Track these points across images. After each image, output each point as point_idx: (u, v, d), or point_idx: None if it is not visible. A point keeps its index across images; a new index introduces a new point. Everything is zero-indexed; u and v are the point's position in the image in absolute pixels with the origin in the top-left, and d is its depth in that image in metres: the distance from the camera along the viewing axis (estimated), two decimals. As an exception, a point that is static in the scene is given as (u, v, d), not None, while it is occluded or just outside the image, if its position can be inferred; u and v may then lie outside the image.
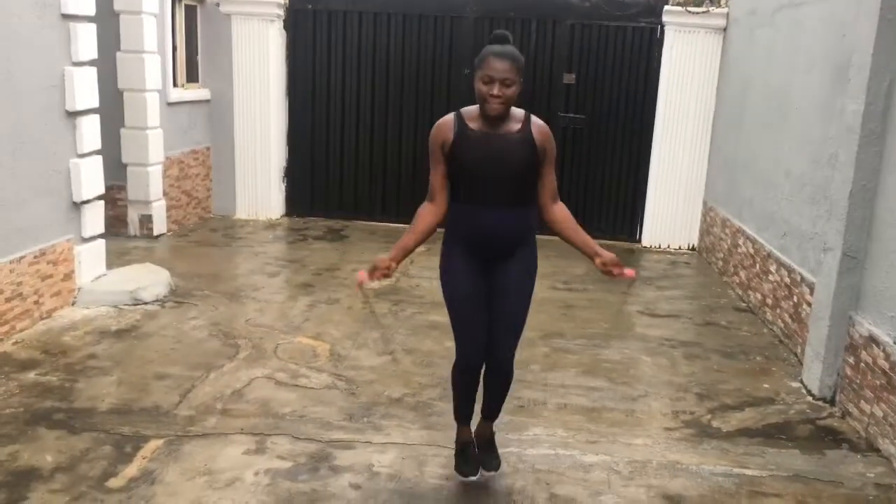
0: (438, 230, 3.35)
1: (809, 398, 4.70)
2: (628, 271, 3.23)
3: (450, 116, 3.24)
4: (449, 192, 3.27)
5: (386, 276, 3.23)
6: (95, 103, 5.81)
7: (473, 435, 3.61)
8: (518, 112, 3.21)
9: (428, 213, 3.29)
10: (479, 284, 3.29)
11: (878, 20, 4.21)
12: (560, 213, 3.31)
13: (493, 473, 3.56)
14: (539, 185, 3.26)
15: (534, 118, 3.24)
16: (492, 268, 3.30)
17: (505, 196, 3.18)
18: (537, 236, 3.37)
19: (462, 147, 3.15)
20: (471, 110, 3.21)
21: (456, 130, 3.17)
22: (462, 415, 3.57)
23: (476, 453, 3.57)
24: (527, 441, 3.94)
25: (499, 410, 3.59)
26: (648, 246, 8.73)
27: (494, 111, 3.08)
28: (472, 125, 3.17)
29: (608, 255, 3.23)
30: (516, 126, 3.18)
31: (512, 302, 3.31)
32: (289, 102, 9.09)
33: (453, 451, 3.63)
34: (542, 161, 3.22)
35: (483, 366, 3.40)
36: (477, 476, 3.52)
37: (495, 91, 3.04)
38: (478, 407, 3.59)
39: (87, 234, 5.82)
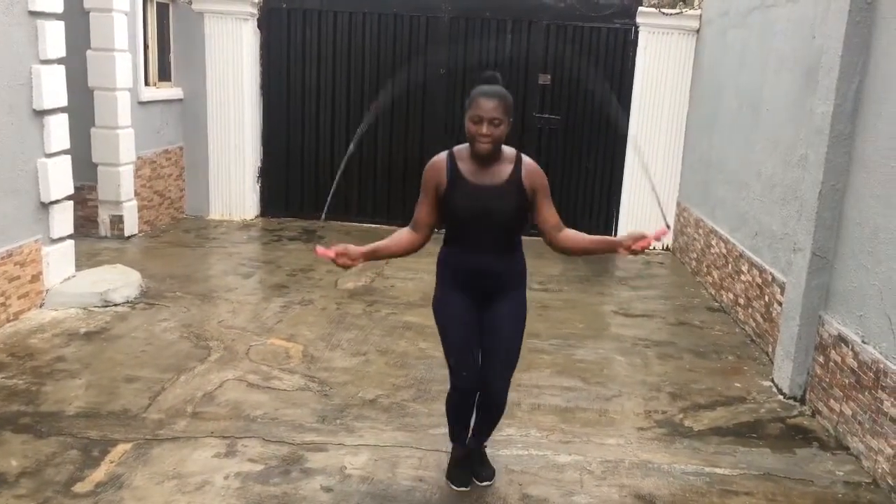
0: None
1: (780, 397, 4.74)
2: (656, 234, 3.04)
3: (443, 157, 3.24)
4: (432, 226, 3.28)
5: (347, 267, 3.14)
6: (64, 102, 5.72)
7: (465, 451, 3.62)
8: (509, 152, 3.22)
9: (406, 240, 3.28)
10: (472, 314, 3.32)
11: (846, 22, 4.26)
12: (568, 238, 3.26)
13: (487, 483, 3.57)
14: (540, 221, 3.26)
15: (524, 159, 3.24)
16: (484, 305, 3.32)
17: (494, 243, 3.23)
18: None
19: (455, 196, 3.18)
20: (462, 150, 3.23)
21: (449, 177, 3.19)
22: (457, 436, 3.60)
23: (469, 466, 3.59)
24: (500, 442, 3.93)
25: (489, 434, 3.63)
26: (623, 246, 8.75)
27: (483, 150, 3.11)
28: (464, 168, 3.18)
29: (627, 240, 3.09)
30: (508, 168, 3.18)
31: (507, 335, 3.33)
32: (263, 102, 9.03)
33: (447, 465, 3.65)
34: (534, 201, 3.22)
35: (476, 393, 3.41)
36: (468, 487, 3.54)
37: (484, 130, 3.07)
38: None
39: (55, 234, 5.73)
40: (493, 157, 3.16)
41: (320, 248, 3.10)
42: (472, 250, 3.23)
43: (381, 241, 3.30)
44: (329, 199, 3.61)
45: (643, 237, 3.05)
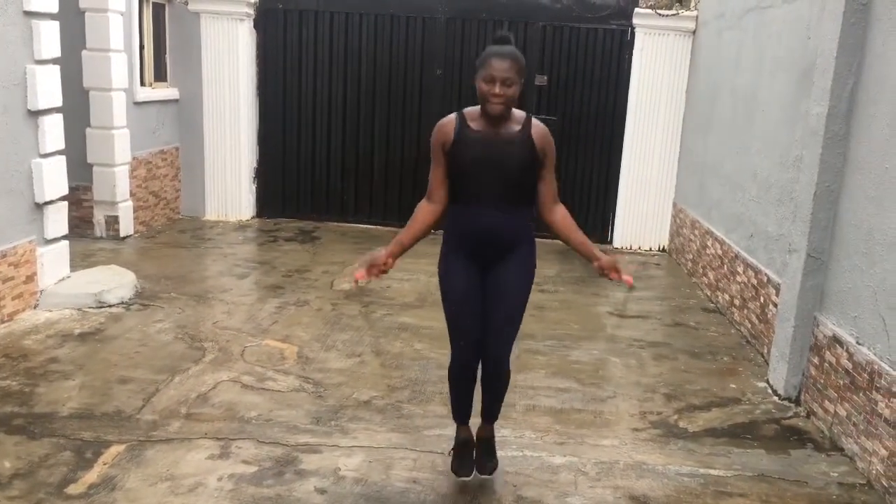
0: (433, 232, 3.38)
1: (775, 398, 4.74)
2: (626, 278, 3.25)
3: (451, 116, 3.26)
4: (447, 191, 3.29)
5: (383, 272, 3.25)
6: (59, 102, 5.71)
7: (475, 436, 3.61)
8: (519, 114, 3.23)
9: (425, 212, 3.31)
10: (476, 284, 3.32)
11: (841, 23, 4.26)
12: (560, 215, 3.33)
13: (487, 477, 3.56)
14: (539, 186, 3.29)
15: (534, 120, 3.25)
16: (490, 268, 3.31)
17: (504, 197, 3.21)
18: None
19: (462, 147, 3.18)
20: (473, 110, 3.23)
21: (457, 131, 3.19)
22: (460, 414, 3.57)
23: (473, 454, 3.57)
24: (496, 444, 3.92)
25: (498, 411, 3.60)
26: (619, 247, 8.77)
27: (496, 110, 3.10)
28: (474, 125, 3.19)
29: (606, 260, 3.26)
30: (517, 127, 3.19)
31: (509, 303, 3.33)
32: (259, 102, 9.02)
33: (450, 451, 3.64)
34: (542, 163, 3.25)
35: (479, 365, 3.40)
36: (471, 477, 3.52)
37: (497, 90, 3.07)
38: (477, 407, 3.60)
39: (49, 235, 5.71)
40: (503, 118, 3.16)
41: (357, 274, 3.24)
42: (481, 206, 3.21)
43: (402, 232, 3.32)
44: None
45: (617, 271, 3.24)
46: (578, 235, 3.36)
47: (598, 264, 3.27)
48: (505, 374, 3.46)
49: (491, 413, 3.58)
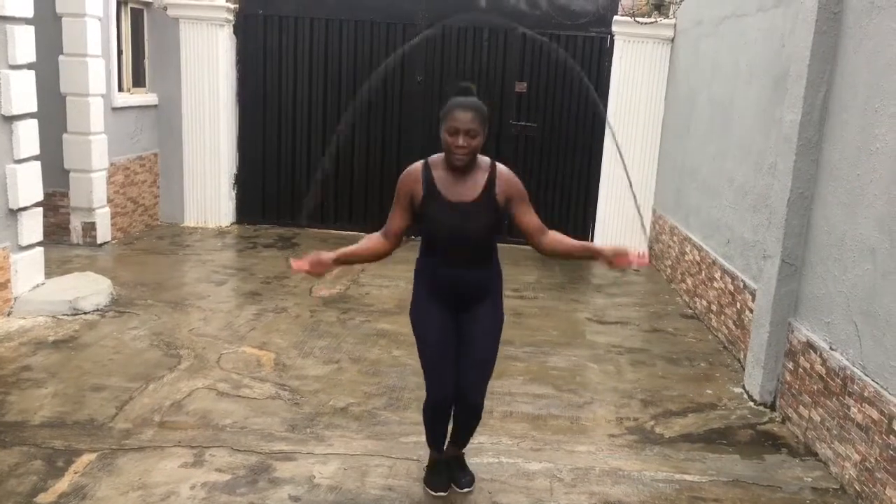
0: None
1: (751, 403, 4.77)
2: (639, 260, 3.11)
3: (418, 168, 3.24)
4: (402, 234, 3.30)
5: (319, 274, 3.22)
6: (33, 108, 5.66)
7: (444, 453, 3.62)
8: (484, 161, 3.23)
9: (376, 245, 3.30)
10: (449, 326, 3.33)
11: (813, 31, 4.31)
12: (553, 242, 3.29)
13: (467, 490, 3.56)
14: (522, 225, 3.26)
15: (499, 168, 3.24)
16: (462, 311, 3.33)
17: (470, 256, 3.25)
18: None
19: (430, 213, 3.19)
20: (437, 160, 3.23)
21: (424, 189, 3.19)
22: (435, 444, 3.60)
23: (446, 471, 3.59)
24: (471, 450, 3.89)
25: (468, 440, 3.63)
26: (599, 253, 8.78)
27: (459, 161, 3.12)
28: (439, 178, 3.18)
29: (609, 251, 3.17)
30: (482, 179, 3.18)
31: (481, 347, 3.34)
32: (239, 108, 8.98)
33: (424, 467, 3.66)
34: (511, 208, 3.23)
35: (453, 402, 3.41)
36: (446, 492, 3.53)
37: (460, 142, 3.08)
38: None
39: (24, 241, 5.65)
40: (468, 168, 3.17)
41: (295, 262, 3.15)
42: (449, 263, 3.25)
43: (352, 246, 3.32)
44: (312, 200, 3.64)
45: (625, 255, 3.12)
46: (576, 245, 3.34)
47: (604, 258, 3.19)
48: (478, 410, 3.48)
49: (462, 441, 3.61)
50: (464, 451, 3.66)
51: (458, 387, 3.35)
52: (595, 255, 3.27)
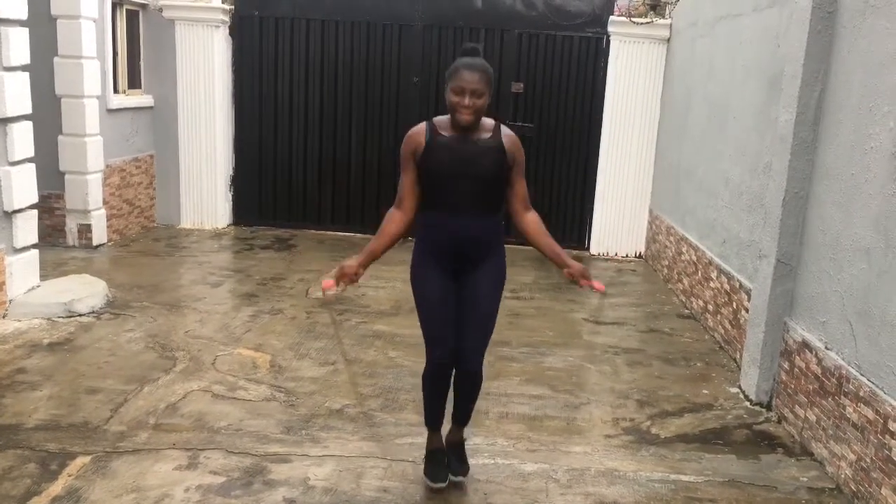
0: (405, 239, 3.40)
1: (747, 403, 4.76)
2: (597, 284, 3.30)
3: (422, 125, 3.30)
4: (416, 199, 3.32)
5: (353, 282, 3.30)
6: (28, 109, 5.65)
7: (444, 441, 3.61)
8: (488, 122, 3.28)
9: (395, 221, 3.33)
10: (449, 288, 3.33)
11: (808, 31, 4.30)
12: (531, 221, 3.38)
13: (461, 479, 3.55)
14: (510, 193, 3.34)
15: (504, 128, 3.31)
16: (461, 275, 3.33)
17: (474, 203, 3.24)
18: None
19: (433, 154, 3.21)
20: (442, 120, 3.27)
21: (427, 138, 3.23)
22: (432, 420, 3.57)
23: (445, 461, 3.57)
24: (466, 451, 3.90)
25: (469, 414, 3.62)
26: (596, 254, 8.80)
27: (465, 121, 3.15)
28: (444, 133, 3.23)
29: (577, 267, 3.31)
30: (487, 135, 3.24)
31: (482, 308, 3.34)
32: (235, 109, 8.97)
33: (423, 457, 3.64)
34: (512, 169, 3.28)
35: (452, 369, 3.40)
36: (445, 483, 3.51)
37: (466, 101, 3.12)
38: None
39: (19, 244, 5.64)
40: (473, 128, 3.20)
41: (325, 282, 3.27)
42: (452, 212, 3.24)
43: (372, 241, 3.35)
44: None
45: (587, 278, 3.29)
46: (549, 241, 3.39)
47: (568, 272, 3.33)
48: (478, 378, 3.47)
49: (463, 416, 3.60)
50: (465, 438, 3.63)
51: (457, 351, 3.34)
52: (561, 264, 3.35)
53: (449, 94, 3.15)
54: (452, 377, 3.46)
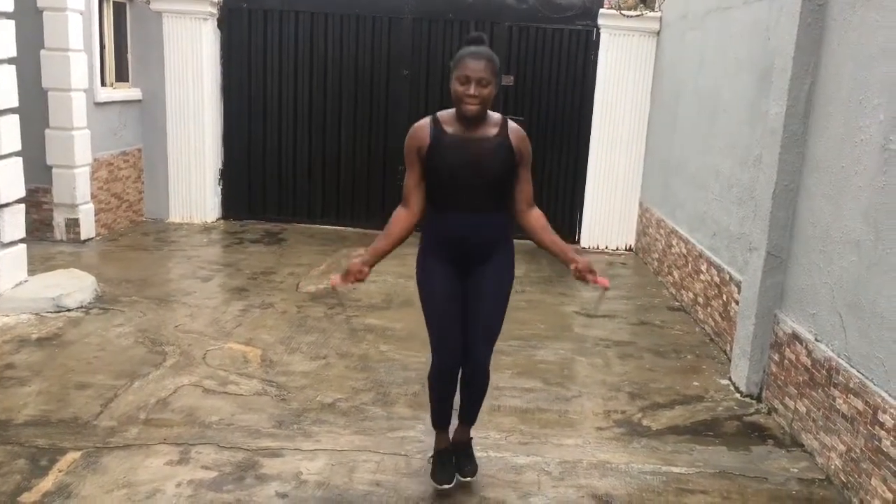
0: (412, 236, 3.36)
1: (737, 395, 4.79)
2: (602, 280, 3.24)
3: (425, 121, 3.20)
4: (423, 196, 3.25)
5: (359, 280, 3.24)
6: (14, 103, 5.60)
7: (451, 441, 3.59)
8: (494, 116, 3.19)
9: (402, 219, 3.26)
10: (456, 287, 3.28)
11: (798, 23, 4.31)
12: (536, 218, 3.31)
13: (469, 479, 3.53)
14: (516, 189, 3.25)
15: (510, 122, 3.21)
16: (469, 272, 3.28)
17: (482, 201, 3.18)
18: None
19: (439, 152, 3.12)
20: (447, 114, 3.18)
21: (432, 135, 3.13)
22: (440, 420, 3.54)
23: (452, 461, 3.54)
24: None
25: (476, 414, 3.58)
26: (587, 247, 8.81)
27: (471, 112, 3.05)
28: (449, 129, 3.14)
29: (583, 262, 3.25)
30: (493, 130, 3.15)
31: (489, 306, 3.29)
32: (224, 103, 8.92)
33: (430, 458, 3.62)
34: (519, 165, 3.21)
35: (459, 369, 3.37)
36: (452, 484, 3.48)
37: (472, 91, 3.01)
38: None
39: (6, 238, 5.60)
40: (479, 120, 3.11)
41: (333, 279, 3.24)
42: (459, 209, 3.18)
43: (378, 239, 3.29)
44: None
45: (594, 273, 3.23)
46: (554, 238, 3.34)
47: (574, 267, 3.25)
48: (485, 377, 3.43)
49: (469, 416, 3.57)
50: (472, 436, 3.61)
51: (465, 350, 3.29)
52: (567, 260, 3.30)
53: (454, 83, 3.05)
54: (459, 377, 3.42)
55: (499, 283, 3.32)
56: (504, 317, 3.39)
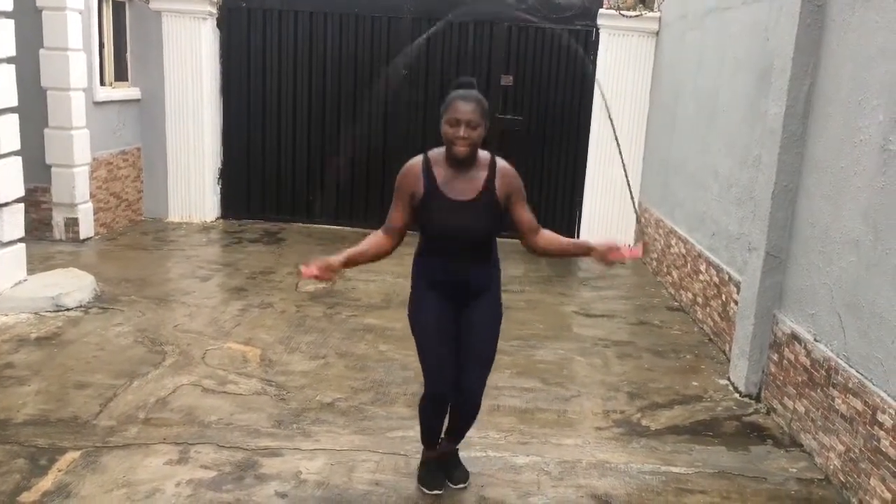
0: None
1: (736, 395, 4.79)
2: (633, 251, 3.13)
3: (418, 163, 3.20)
4: (403, 234, 3.26)
5: (329, 279, 3.19)
6: (14, 102, 5.60)
7: (439, 452, 3.59)
8: (484, 157, 3.20)
9: (379, 244, 3.25)
10: (448, 318, 3.29)
11: (797, 24, 4.31)
12: (546, 241, 3.27)
13: (462, 486, 3.54)
14: (516, 220, 3.24)
15: (499, 164, 3.21)
16: (460, 307, 3.30)
17: (469, 254, 3.23)
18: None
19: (430, 209, 3.16)
20: (438, 154, 3.19)
21: (425, 187, 3.15)
22: (429, 440, 3.56)
23: (439, 468, 3.56)
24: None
25: (464, 435, 3.60)
26: (586, 246, 8.79)
27: (461, 153, 3.08)
28: (440, 174, 3.15)
29: (602, 247, 3.16)
30: (482, 175, 3.16)
31: (482, 338, 3.32)
32: (223, 102, 8.92)
33: (417, 467, 3.63)
34: (510, 207, 3.21)
35: (451, 398, 3.37)
36: (442, 490, 3.50)
37: (461, 133, 3.05)
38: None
39: (5, 238, 5.59)
40: (469, 162, 3.14)
41: (305, 269, 3.11)
42: (448, 260, 3.22)
43: (356, 246, 3.26)
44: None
45: (618, 249, 3.13)
46: (567, 242, 3.36)
47: (596, 255, 3.18)
48: (476, 407, 3.44)
49: (457, 436, 3.58)
50: (458, 446, 3.64)
51: (456, 382, 3.31)
52: (588, 251, 3.24)
53: (444, 126, 3.08)
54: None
55: (490, 317, 3.34)
56: (497, 346, 3.38)
